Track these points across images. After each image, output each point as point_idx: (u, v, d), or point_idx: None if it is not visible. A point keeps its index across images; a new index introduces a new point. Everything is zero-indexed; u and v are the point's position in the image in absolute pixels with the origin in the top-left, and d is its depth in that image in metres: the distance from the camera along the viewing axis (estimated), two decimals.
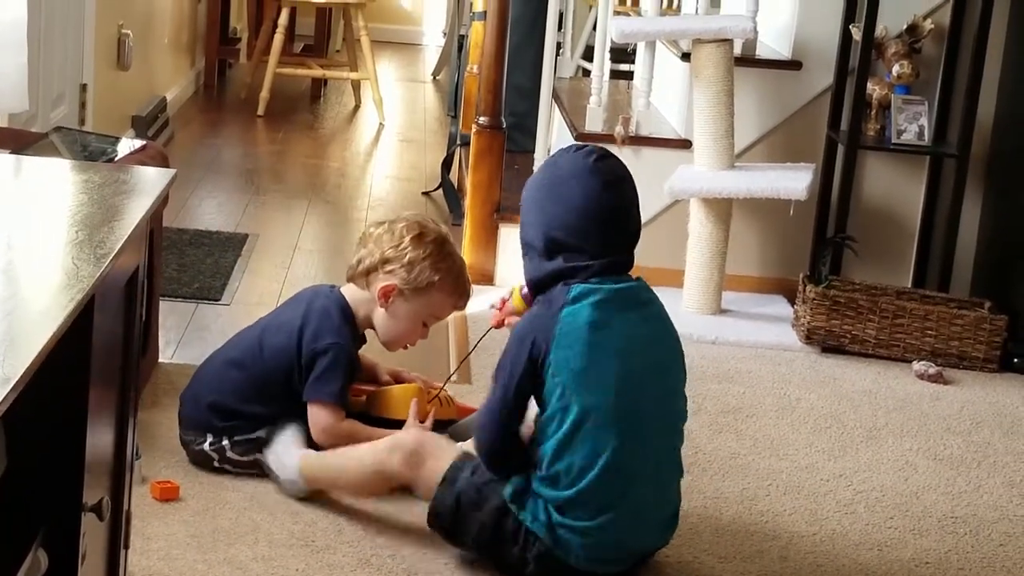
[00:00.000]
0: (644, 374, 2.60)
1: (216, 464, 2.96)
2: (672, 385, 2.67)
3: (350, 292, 3.04)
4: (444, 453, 2.74)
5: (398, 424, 2.97)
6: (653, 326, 2.65)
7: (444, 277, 2.99)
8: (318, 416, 2.95)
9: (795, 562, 2.82)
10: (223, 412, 2.98)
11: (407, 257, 2.98)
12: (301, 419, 2.98)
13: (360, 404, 3.06)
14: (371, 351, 3.16)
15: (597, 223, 2.60)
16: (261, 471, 2.95)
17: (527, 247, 2.67)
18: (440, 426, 3.04)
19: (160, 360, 3.51)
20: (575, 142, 2.73)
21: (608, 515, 2.57)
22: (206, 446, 2.97)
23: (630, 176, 2.69)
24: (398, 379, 3.18)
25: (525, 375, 2.58)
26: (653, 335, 2.64)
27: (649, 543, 2.69)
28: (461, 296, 3.06)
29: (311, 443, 2.95)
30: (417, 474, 2.73)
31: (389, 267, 2.98)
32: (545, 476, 2.59)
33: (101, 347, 1.72)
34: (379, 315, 3.02)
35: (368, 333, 3.09)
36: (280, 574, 2.58)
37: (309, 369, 2.95)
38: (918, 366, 4.01)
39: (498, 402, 2.62)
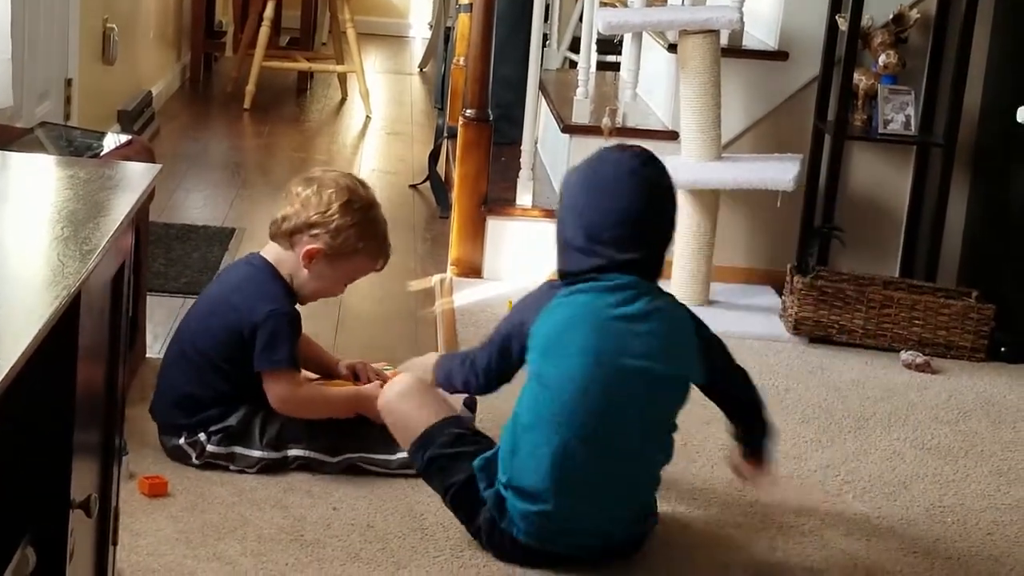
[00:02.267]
0: (621, 372, 2.59)
1: (195, 460, 2.96)
2: (650, 392, 2.63)
3: (272, 252, 3.05)
4: (423, 406, 2.80)
5: (326, 421, 3.00)
6: (649, 342, 2.61)
7: (368, 244, 3.03)
8: (273, 386, 2.96)
9: (784, 552, 2.83)
10: (186, 407, 2.98)
11: (334, 224, 2.98)
12: (259, 398, 2.98)
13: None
14: (347, 344, 3.15)
15: (631, 227, 2.62)
16: (241, 468, 2.95)
17: (562, 242, 2.69)
18: None
19: (147, 355, 3.50)
20: (619, 141, 2.81)
21: (548, 504, 2.61)
22: (181, 442, 2.97)
23: (671, 183, 2.70)
24: (356, 373, 3.16)
25: (509, 345, 2.68)
26: (648, 350, 2.61)
27: (603, 543, 2.69)
28: (381, 261, 3.10)
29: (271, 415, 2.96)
30: (392, 419, 2.82)
31: (315, 231, 2.99)
32: (503, 453, 2.67)
33: (87, 343, 1.72)
34: (302, 273, 3.02)
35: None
36: (269, 569, 2.58)
37: (252, 341, 2.95)
38: (906, 356, 4.01)
39: (481, 359, 2.73)
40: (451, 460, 2.71)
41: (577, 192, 2.68)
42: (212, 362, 2.98)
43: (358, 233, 3.00)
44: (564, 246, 2.69)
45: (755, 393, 2.81)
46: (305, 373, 3.16)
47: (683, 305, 2.74)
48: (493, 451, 2.70)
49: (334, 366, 3.19)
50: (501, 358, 2.71)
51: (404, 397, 2.81)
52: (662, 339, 2.63)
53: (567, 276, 2.67)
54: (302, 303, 3.09)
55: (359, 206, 3.01)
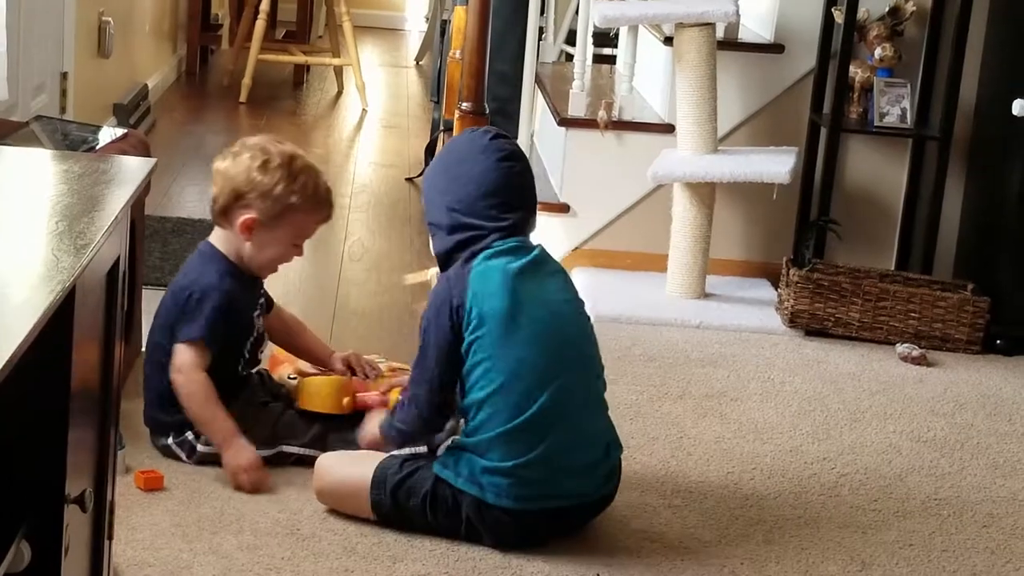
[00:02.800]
0: (561, 320, 2.73)
1: (186, 459, 2.95)
2: (582, 325, 2.80)
3: (218, 235, 3.02)
4: (360, 463, 2.78)
5: (319, 416, 3.00)
6: (558, 281, 2.80)
7: (299, 198, 2.96)
8: (178, 354, 2.91)
9: (780, 545, 2.83)
10: (164, 405, 2.96)
11: (258, 188, 2.94)
12: (235, 391, 2.97)
13: (292, 391, 3.07)
14: (346, 342, 3.15)
15: (494, 194, 2.74)
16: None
17: (433, 227, 2.79)
18: None
19: (143, 349, 3.50)
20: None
21: (528, 456, 2.65)
22: (170, 442, 2.97)
23: (523, 153, 2.86)
24: (351, 366, 3.14)
25: (448, 343, 2.68)
26: (560, 287, 2.79)
27: (586, 486, 2.73)
28: (322, 210, 3.03)
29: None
30: (337, 496, 2.78)
31: (243, 201, 2.95)
32: (469, 428, 2.70)
33: (83, 338, 1.72)
34: (247, 248, 2.99)
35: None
36: (265, 563, 2.58)
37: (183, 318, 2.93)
38: (901, 348, 4.02)
39: (427, 377, 2.72)
40: (411, 478, 2.72)
41: (436, 175, 2.81)
42: (170, 354, 2.95)
43: (285, 190, 2.94)
44: (434, 230, 2.78)
45: None
46: (301, 365, 3.16)
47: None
48: (443, 450, 2.76)
49: (327, 358, 3.18)
50: (449, 364, 2.69)
51: (332, 472, 2.78)
52: (564, 276, 2.84)
53: (444, 255, 2.75)
54: (263, 276, 3.06)
55: (278, 163, 2.95)
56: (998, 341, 4.11)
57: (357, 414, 3.01)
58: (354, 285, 4.35)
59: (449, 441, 2.82)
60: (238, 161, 2.97)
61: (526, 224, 2.80)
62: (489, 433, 2.66)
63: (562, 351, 2.70)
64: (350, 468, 2.78)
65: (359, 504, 2.75)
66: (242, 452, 2.87)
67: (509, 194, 2.76)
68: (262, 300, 3.10)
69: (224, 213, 3.00)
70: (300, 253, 3.07)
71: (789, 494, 3.06)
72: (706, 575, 2.69)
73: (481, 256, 2.71)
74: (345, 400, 3.02)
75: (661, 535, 2.82)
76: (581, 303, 2.84)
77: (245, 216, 2.96)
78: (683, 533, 2.84)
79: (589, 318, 2.84)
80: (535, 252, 2.77)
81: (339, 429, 2.99)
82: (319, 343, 3.24)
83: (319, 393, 3.02)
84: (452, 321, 2.67)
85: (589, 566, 2.68)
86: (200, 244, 3.06)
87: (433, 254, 2.82)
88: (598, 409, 2.79)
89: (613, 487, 2.80)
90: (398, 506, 2.72)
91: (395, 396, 2.97)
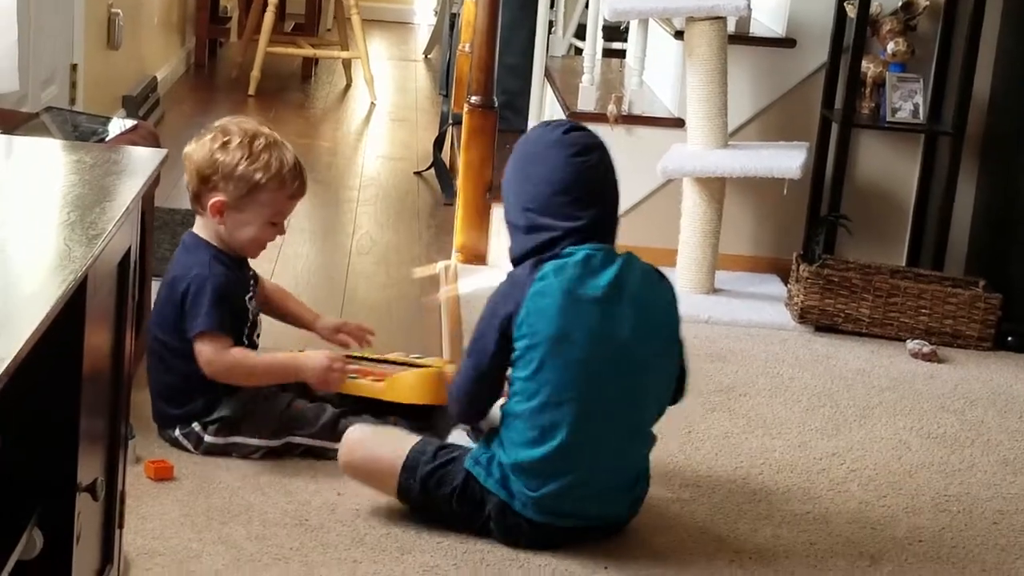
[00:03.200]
0: (614, 347, 2.62)
1: (194, 450, 2.95)
2: (643, 357, 2.67)
3: (199, 223, 3.01)
4: (391, 443, 2.77)
5: (414, 409, 2.97)
6: (630, 295, 2.65)
7: (264, 175, 2.92)
8: (199, 351, 2.90)
9: (788, 540, 2.83)
10: (169, 398, 2.96)
11: (221, 169, 2.92)
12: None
13: (378, 391, 3.01)
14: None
15: (567, 191, 2.64)
16: (244, 455, 2.94)
17: (510, 227, 2.72)
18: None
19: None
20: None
21: (555, 485, 2.63)
22: (177, 434, 2.97)
23: (602, 144, 2.72)
24: (341, 332, 3.12)
25: (498, 349, 2.64)
26: (622, 301, 2.64)
27: (609, 511, 2.72)
28: (291, 185, 2.97)
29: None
30: (364, 469, 2.76)
31: (210, 185, 2.93)
32: (503, 438, 2.67)
33: (94, 328, 1.72)
34: (221, 231, 2.97)
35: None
36: (274, 553, 2.58)
37: (184, 313, 2.92)
38: (912, 345, 4.01)
39: (471, 376, 2.69)
40: (443, 468, 2.70)
41: (510, 174, 2.73)
42: (170, 347, 2.95)
43: (248, 169, 2.91)
44: (512, 229, 2.72)
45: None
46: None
47: (646, 264, 2.74)
48: (478, 447, 2.73)
49: (313, 322, 3.16)
50: (494, 363, 2.66)
51: (363, 447, 2.77)
52: (640, 296, 2.66)
53: (520, 258, 2.68)
54: (249, 256, 3.03)
55: (239, 141, 2.93)
56: (1009, 338, 4.10)
57: (362, 403, 3.00)
58: (363, 278, 4.35)
59: (481, 441, 2.78)
60: (200, 144, 2.95)
61: (605, 223, 2.68)
62: (520, 450, 2.64)
63: (605, 386, 2.62)
64: (382, 448, 2.75)
65: (385, 484, 2.74)
66: (311, 360, 2.90)
67: (583, 190, 2.65)
68: (252, 283, 3.07)
69: (196, 198, 2.98)
70: (281, 231, 3.02)
71: (798, 489, 3.06)
72: (715, 569, 2.69)
73: (549, 267, 2.61)
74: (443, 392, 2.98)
75: (669, 529, 2.81)
76: (660, 329, 2.70)
77: (214, 199, 2.94)
78: (692, 527, 2.84)
79: (668, 345, 2.72)
80: (612, 271, 2.63)
81: (348, 418, 2.98)
82: (304, 308, 3.22)
83: (419, 384, 2.99)
84: (503, 326, 2.62)
85: (597, 560, 2.67)
86: (183, 235, 3.04)
87: (510, 255, 2.72)
88: (635, 444, 2.72)
89: (634, 512, 2.77)
90: (426, 493, 2.70)
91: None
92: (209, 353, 2.90)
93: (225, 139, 2.93)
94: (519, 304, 2.60)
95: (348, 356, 3.09)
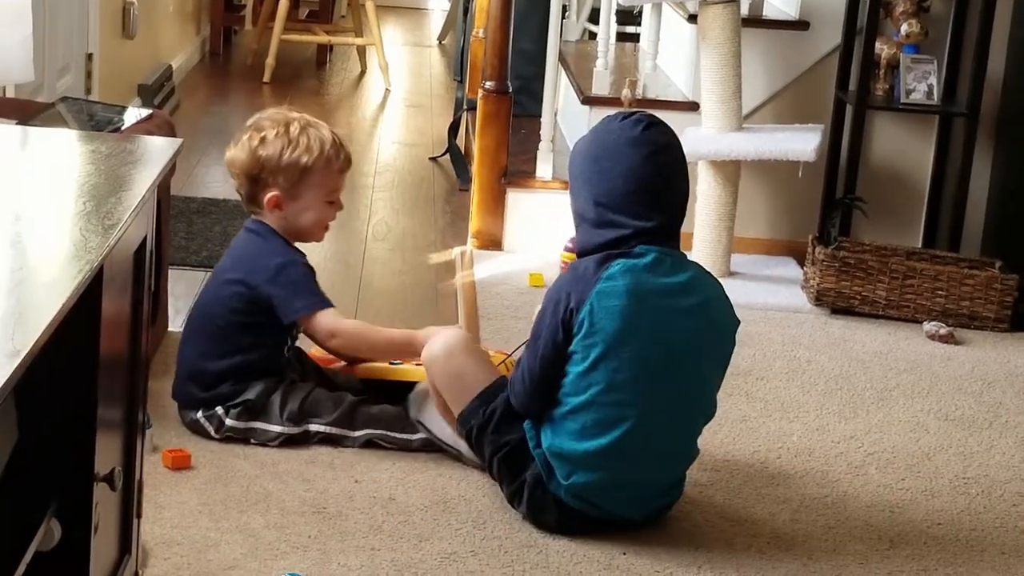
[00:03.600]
0: (673, 355, 2.63)
1: (214, 434, 2.96)
2: (699, 371, 2.69)
3: (261, 218, 3.04)
4: (485, 371, 2.81)
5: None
6: (698, 306, 2.66)
7: (309, 158, 2.97)
8: (316, 327, 2.96)
9: (807, 524, 2.82)
10: (199, 381, 2.98)
11: (266, 163, 2.96)
12: (275, 370, 2.98)
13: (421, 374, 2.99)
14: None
15: (642, 191, 2.62)
16: (262, 442, 2.95)
17: (578, 217, 2.70)
18: None
19: (170, 329, 3.51)
20: (622, 110, 2.76)
21: (591, 477, 2.64)
22: (199, 416, 2.98)
23: (677, 143, 2.70)
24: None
25: (558, 340, 2.63)
26: (689, 311, 2.65)
27: (637, 512, 2.72)
28: (338, 160, 3.01)
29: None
30: (446, 373, 2.80)
31: (261, 182, 2.98)
32: (555, 421, 2.67)
33: (110, 317, 1.72)
34: (282, 223, 3.01)
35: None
36: (292, 541, 2.59)
37: (269, 301, 2.94)
38: (929, 327, 4.00)
39: (534, 367, 2.67)
40: (507, 419, 2.72)
41: (583, 164, 2.69)
42: (226, 333, 2.97)
43: (292, 156, 2.96)
44: (579, 220, 2.70)
45: None
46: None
47: (716, 281, 2.77)
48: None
49: None
50: (553, 354, 2.65)
51: (457, 353, 2.80)
52: (706, 309, 2.67)
53: (587, 251, 2.66)
54: (315, 239, 3.08)
55: (276, 132, 2.97)
56: None
57: (383, 398, 3.01)
58: (378, 264, 4.35)
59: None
60: (239, 146, 2.99)
61: (674, 226, 2.67)
62: (564, 439, 2.65)
63: (658, 393, 2.62)
64: (478, 369, 2.80)
65: (455, 397, 2.78)
66: (429, 337, 2.90)
67: (657, 192, 2.63)
68: None
69: (251, 199, 3.02)
70: (340, 207, 3.08)
71: (816, 473, 3.06)
72: (733, 554, 2.69)
73: (617, 265, 2.60)
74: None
75: (687, 514, 2.81)
76: (718, 348, 2.71)
77: (268, 195, 2.98)
78: (710, 512, 2.84)
79: (721, 365, 2.73)
80: (682, 278, 2.64)
81: (367, 412, 2.99)
82: None
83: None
84: (564, 318, 2.62)
85: (615, 545, 2.68)
86: (248, 222, 3.06)
87: (576, 247, 2.72)
88: (678, 454, 2.74)
89: (661, 513, 2.77)
90: (482, 430, 2.73)
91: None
92: (332, 325, 2.96)
93: (261, 135, 2.98)
94: (583, 299, 2.59)
95: None
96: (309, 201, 3.00)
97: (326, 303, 2.98)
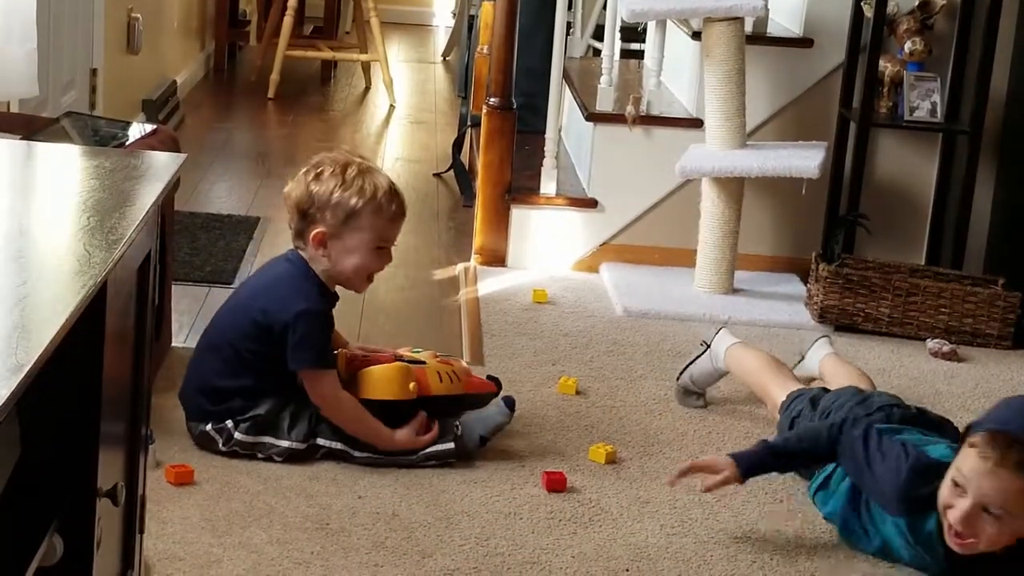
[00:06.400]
0: None
1: (222, 447, 2.96)
2: None
3: (307, 253, 3.03)
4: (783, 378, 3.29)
5: (379, 404, 2.98)
6: None
7: (360, 200, 2.95)
8: (313, 384, 2.96)
9: (810, 540, 2.82)
10: (211, 397, 2.98)
11: (317, 200, 2.95)
12: (287, 391, 2.98)
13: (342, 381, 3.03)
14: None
15: None
16: (268, 456, 2.96)
17: None
18: (448, 402, 3.04)
19: (173, 344, 3.51)
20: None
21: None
22: (208, 428, 2.98)
23: None
24: (368, 358, 3.12)
25: None
26: None
27: None
28: (389, 209, 2.99)
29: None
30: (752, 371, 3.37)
31: (309, 217, 2.97)
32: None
33: (114, 332, 1.72)
34: (324, 263, 2.99)
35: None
36: (295, 557, 2.58)
37: (283, 338, 2.93)
38: (932, 344, 4.00)
39: None
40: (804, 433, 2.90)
41: None
42: (241, 356, 2.98)
43: (343, 196, 2.95)
44: None
45: None
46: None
47: None
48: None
49: (343, 348, 3.17)
50: None
51: (757, 364, 3.32)
52: None
53: None
54: (355, 289, 3.07)
55: (331, 171, 2.97)
56: None
57: (438, 403, 3.02)
58: (382, 280, 4.34)
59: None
60: (296, 181, 3.00)
61: None
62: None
63: None
64: (778, 380, 3.23)
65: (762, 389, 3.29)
66: (406, 441, 2.97)
67: None
68: None
69: (299, 235, 3.01)
70: (388, 258, 3.04)
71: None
72: (736, 570, 2.69)
73: None
74: (411, 385, 3.00)
75: (690, 531, 2.81)
76: None
77: (315, 231, 2.97)
78: (712, 528, 2.84)
79: None
80: None
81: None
82: (337, 334, 3.23)
83: (384, 379, 3.00)
84: None
85: (618, 562, 2.68)
86: (290, 254, 3.04)
87: None
88: None
89: None
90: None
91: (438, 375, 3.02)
92: (326, 389, 2.95)
93: (318, 171, 2.98)
94: None
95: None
96: (355, 244, 2.97)
97: (321, 364, 2.96)
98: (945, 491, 2.58)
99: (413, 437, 2.99)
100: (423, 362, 3.08)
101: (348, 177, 2.97)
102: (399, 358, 3.07)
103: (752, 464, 2.79)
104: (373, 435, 2.97)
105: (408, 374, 3.01)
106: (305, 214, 2.97)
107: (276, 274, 3.04)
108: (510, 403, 3.09)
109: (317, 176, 2.97)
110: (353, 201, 2.95)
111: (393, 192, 3.02)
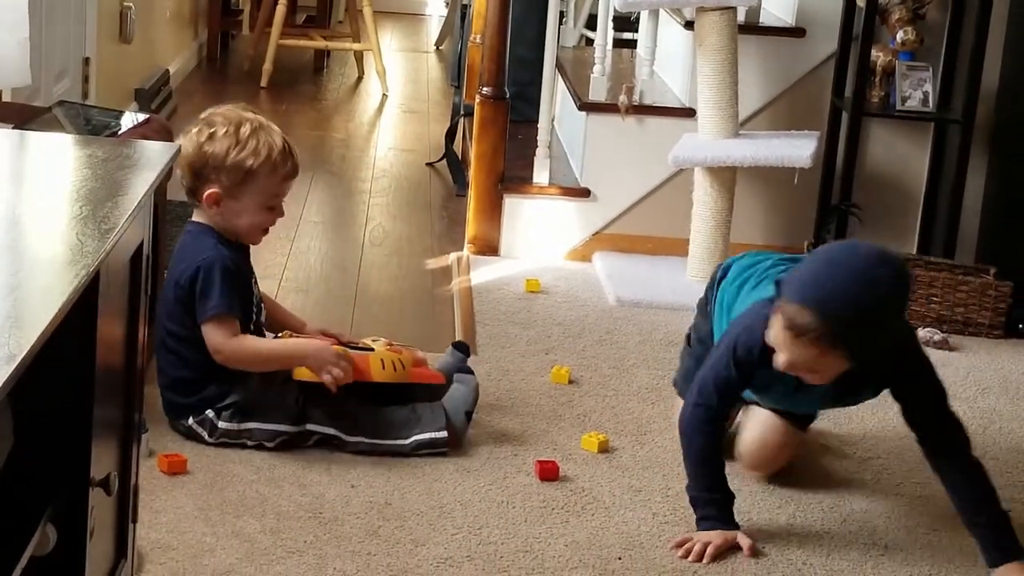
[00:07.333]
0: None
1: (209, 438, 2.95)
2: None
3: (197, 214, 3.02)
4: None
5: (306, 385, 2.95)
6: None
7: (255, 161, 2.93)
8: (209, 335, 2.90)
9: (802, 529, 2.83)
10: (181, 390, 2.97)
11: (212, 160, 2.93)
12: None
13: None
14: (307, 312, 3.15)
15: None
16: (259, 443, 2.95)
17: None
18: (393, 389, 3.02)
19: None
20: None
21: None
22: (191, 422, 2.97)
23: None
24: (326, 335, 3.09)
25: None
26: None
27: None
28: (283, 168, 2.97)
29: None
30: None
31: (203, 177, 2.95)
32: None
33: (107, 322, 1.72)
34: (219, 220, 2.98)
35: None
36: (288, 546, 2.59)
37: (194, 300, 2.92)
38: (923, 333, 4.00)
39: None
40: None
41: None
42: (181, 339, 2.95)
43: (239, 157, 2.92)
44: None
45: None
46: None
47: None
48: None
49: (300, 330, 3.15)
50: None
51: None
52: None
53: None
54: (251, 242, 3.04)
55: (225, 130, 2.94)
56: (1020, 325, 4.10)
57: (383, 390, 3.01)
58: (375, 269, 4.36)
59: None
60: (188, 139, 2.96)
61: None
62: None
63: None
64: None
65: None
66: (317, 348, 2.90)
67: None
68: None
69: (192, 192, 2.99)
70: (280, 214, 3.04)
71: (810, 479, 3.06)
72: (728, 559, 2.70)
73: None
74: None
75: (683, 519, 2.82)
76: None
77: (208, 191, 2.95)
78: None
79: None
80: None
81: (366, 417, 2.98)
82: (291, 315, 3.22)
83: (381, 361, 2.99)
84: None
85: (611, 550, 2.68)
86: (186, 225, 3.05)
87: None
88: None
89: None
90: None
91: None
92: (218, 337, 2.90)
93: (211, 131, 2.94)
94: None
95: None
96: (247, 204, 2.96)
97: (222, 310, 2.89)
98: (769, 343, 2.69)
99: (326, 343, 2.94)
100: (371, 349, 3.06)
101: (242, 136, 2.94)
102: (345, 344, 3.04)
103: (723, 507, 2.76)
104: (286, 358, 2.93)
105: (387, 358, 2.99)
106: (199, 173, 2.94)
107: (180, 246, 3.02)
108: (462, 347, 3.08)
109: (211, 136, 2.93)
110: (249, 162, 2.93)
111: (287, 151, 2.99)
